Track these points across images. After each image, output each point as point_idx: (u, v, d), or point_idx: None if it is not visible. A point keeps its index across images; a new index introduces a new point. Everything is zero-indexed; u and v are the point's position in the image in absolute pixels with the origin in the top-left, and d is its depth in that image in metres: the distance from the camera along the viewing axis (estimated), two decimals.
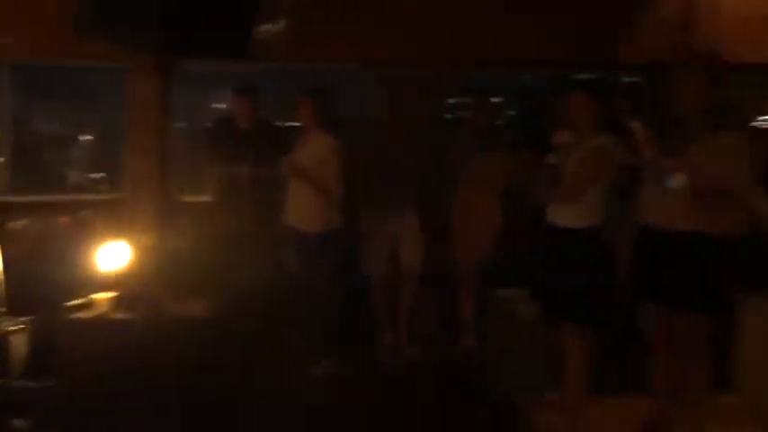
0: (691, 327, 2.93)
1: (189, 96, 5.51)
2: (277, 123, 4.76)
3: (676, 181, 2.79)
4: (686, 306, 2.91)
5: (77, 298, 3.85)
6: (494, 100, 5.02)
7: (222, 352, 3.51)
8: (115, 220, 4.60)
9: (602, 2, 4.83)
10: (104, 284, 3.93)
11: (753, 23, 4.90)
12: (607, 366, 3.39)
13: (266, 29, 4.77)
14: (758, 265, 2.40)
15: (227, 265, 4.09)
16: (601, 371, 3.28)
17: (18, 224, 4.55)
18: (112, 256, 4.00)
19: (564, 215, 3.15)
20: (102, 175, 5.93)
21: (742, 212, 2.43)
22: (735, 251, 2.78)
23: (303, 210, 4.04)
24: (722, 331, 2.55)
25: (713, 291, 2.85)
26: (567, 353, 3.22)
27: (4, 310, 3.74)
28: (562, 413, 3.29)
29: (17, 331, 3.66)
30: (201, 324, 3.69)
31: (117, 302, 3.84)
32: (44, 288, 3.97)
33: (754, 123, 5.52)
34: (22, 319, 3.73)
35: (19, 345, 3.64)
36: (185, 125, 5.85)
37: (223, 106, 5.59)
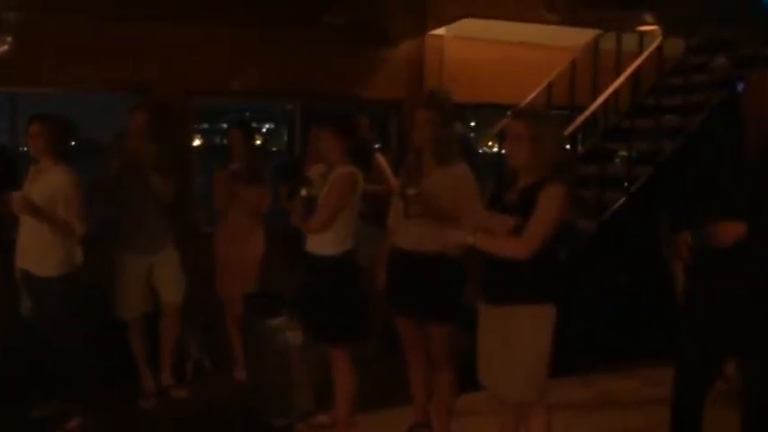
0: (437, 336, 3.27)
1: None
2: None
3: (413, 208, 3.08)
4: (429, 317, 3.25)
5: None
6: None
7: None
8: None
9: (342, 42, 5.23)
10: None
11: (477, 69, 5.72)
12: (375, 381, 3.63)
13: None
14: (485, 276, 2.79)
15: None
16: (370, 386, 3.51)
17: None
18: None
19: (317, 243, 3.29)
20: None
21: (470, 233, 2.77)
22: (464, 267, 3.17)
23: (37, 251, 3.57)
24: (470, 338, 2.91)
25: (450, 301, 3.22)
26: (346, 373, 3.36)
27: None
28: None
29: None
30: None
31: None
32: None
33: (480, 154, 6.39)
34: None
35: None
36: None
37: None
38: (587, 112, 5.30)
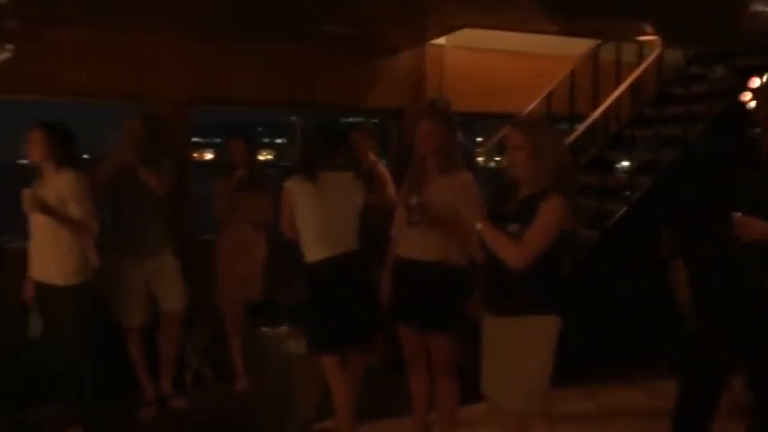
0: (440, 345, 3.26)
1: None
2: None
3: (416, 216, 3.09)
4: (432, 326, 3.24)
5: None
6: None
7: None
8: None
9: (342, 52, 5.25)
10: None
11: (477, 78, 5.73)
12: (379, 389, 3.61)
13: None
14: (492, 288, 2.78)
15: None
16: (371, 395, 3.50)
17: None
18: None
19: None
20: None
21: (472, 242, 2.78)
22: (469, 277, 3.17)
23: (54, 260, 3.52)
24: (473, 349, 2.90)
25: (453, 311, 3.20)
26: (334, 382, 3.36)
27: None
28: None
29: None
30: None
31: None
32: None
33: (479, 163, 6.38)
34: None
35: None
36: None
37: None
38: (588, 122, 5.30)
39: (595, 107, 5.59)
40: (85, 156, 4.04)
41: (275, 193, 4.31)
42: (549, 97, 5.76)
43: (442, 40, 5.65)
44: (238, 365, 4.38)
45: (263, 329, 3.73)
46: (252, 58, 5.04)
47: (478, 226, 2.66)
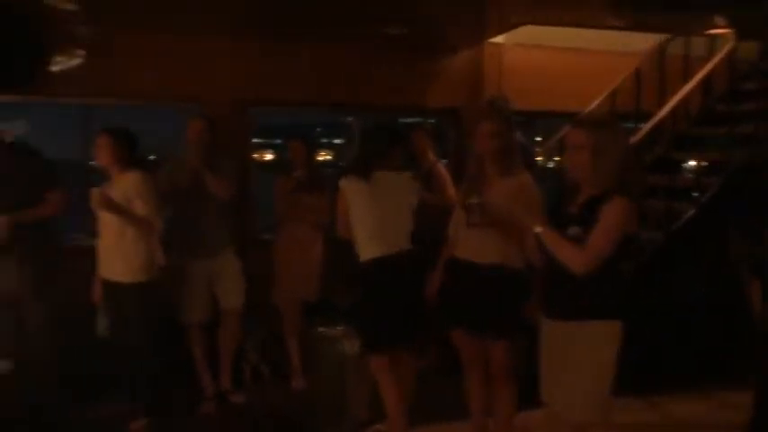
0: (497, 351, 3.20)
1: None
2: (39, 154, 3.88)
3: (475, 217, 3.04)
4: (490, 331, 3.18)
5: None
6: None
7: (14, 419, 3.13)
8: None
9: (399, 52, 5.22)
10: None
11: (537, 76, 5.61)
12: (432, 393, 3.57)
13: (61, 63, 4.54)
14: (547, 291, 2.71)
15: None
16: (427, 398, 3.46)
17: None
18: None
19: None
20: None
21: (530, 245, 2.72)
22: (527, 279, 3.09)
23: (122, 257, 3.64)
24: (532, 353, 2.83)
25: (511, 315, 3.13)
26: (384, 383, 3.34)
27: None
28: None
29: None
30: None
31: None
32: None
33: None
34: None
35: None
36: None
37: None
38: (654, 120, 5.11)
39: (662, 104, 5.38)
40: (151, 157, 4.17)
41: (333, 193, 4.36)
42: (613, 95, 5.58)
43: (500, 38, 5.56)
44: (295, 364, 4.44)
45: (319, 329, 3.76)
46: (308, 59, 5.08)
47: (537, 229, 2.59)
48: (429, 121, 5.96)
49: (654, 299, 4.34)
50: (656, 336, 4.21)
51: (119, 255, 3.66)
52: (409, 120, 6.59)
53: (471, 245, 3.17)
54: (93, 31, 4.44)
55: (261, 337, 4.56)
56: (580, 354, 2.57)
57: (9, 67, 3.79)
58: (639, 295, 4.01)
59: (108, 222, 3.65)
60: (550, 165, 6.11)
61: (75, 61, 4.66)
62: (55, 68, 4.48)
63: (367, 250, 3.33)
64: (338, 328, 3.71)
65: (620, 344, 2.58)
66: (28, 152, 3.81)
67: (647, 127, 5.04)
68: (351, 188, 3.36)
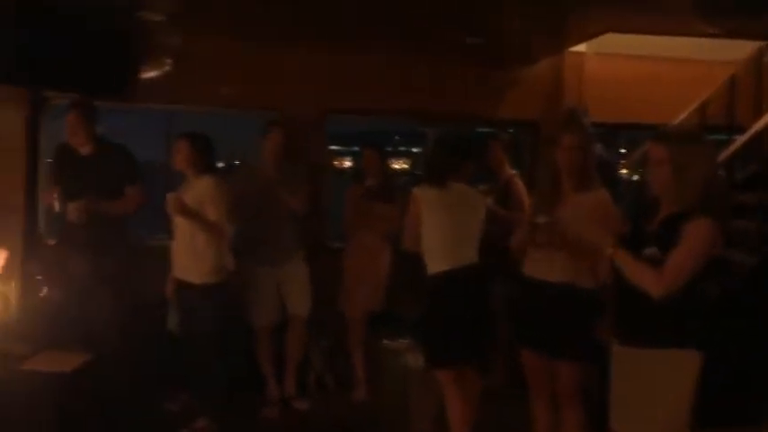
0: (565, 373, 3.05)
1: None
2: (125, 149, 4.11)
3: (541, 236, 2.92)
4: (558, 352, 3.04)
5: None
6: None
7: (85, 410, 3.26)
8: None
9: (476, 61, 5.13)
10: None
11: (621, 87, 5.37)
12: (498, 411, 3.45)
13: (151, 71, 4.73)
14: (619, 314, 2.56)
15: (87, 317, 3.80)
16: (492, 416, 3.36)
17: None
18: None
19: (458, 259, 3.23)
20: None
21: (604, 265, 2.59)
22: (598, 300, 2.94)
23: (193, 259, 3.74)
24: (600, 377, 2.68)
25: (581, 337, 2.97)
26: (449, 399, 3.26)
27: None
28: None
29: None
30: (61, 379, 3.37)
31: None
32: None
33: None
34: None
35: None
36: None
37: None
38: (749, 134, 4.78)
39: (758, 117, 5.02)
40: (220, 164, 4.28)
41: (404, 203, 4.32)
42: (703, 107, 5.26)
43: (582, 47, 5.36)
44: (359, 374, 4.42)
45: (384, 341, 3.72)
46: (385, 69, 5.06)
47: (609, 251, 2.45)
48: (507, 131, 5.83)
49: (743, 325, 4.04)
50: (742, 367, 3.91)
51: (190, 257, 3.76)
52: (485, 129, 6.47)
53: (539, 262, 3.05)
54: (180, 41, 4.59)
55: (327, 345, 4.57)
56: (654, 384, 2.41)
57: (107, 76, 4.01)
58: (725, 323, 3.74)
59: (181, 226, 3.76)
60: (635, 178, 5.85)
61: (164, 70, 4.84)
62: (145, 77, 4.67)
63: (436, 263, 3.28)
64: (403, 340, 3.66)
65: (700, 373, 2.40)
66: (113, 145, 4.02)
67: (740, 141, 4.72)
68: (424, 196, 3.33)
